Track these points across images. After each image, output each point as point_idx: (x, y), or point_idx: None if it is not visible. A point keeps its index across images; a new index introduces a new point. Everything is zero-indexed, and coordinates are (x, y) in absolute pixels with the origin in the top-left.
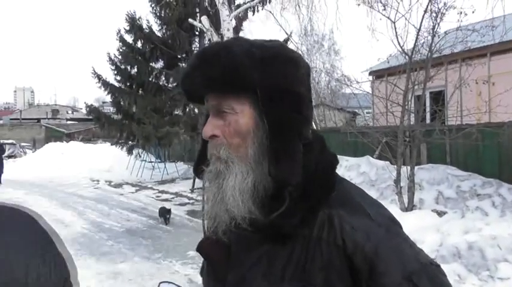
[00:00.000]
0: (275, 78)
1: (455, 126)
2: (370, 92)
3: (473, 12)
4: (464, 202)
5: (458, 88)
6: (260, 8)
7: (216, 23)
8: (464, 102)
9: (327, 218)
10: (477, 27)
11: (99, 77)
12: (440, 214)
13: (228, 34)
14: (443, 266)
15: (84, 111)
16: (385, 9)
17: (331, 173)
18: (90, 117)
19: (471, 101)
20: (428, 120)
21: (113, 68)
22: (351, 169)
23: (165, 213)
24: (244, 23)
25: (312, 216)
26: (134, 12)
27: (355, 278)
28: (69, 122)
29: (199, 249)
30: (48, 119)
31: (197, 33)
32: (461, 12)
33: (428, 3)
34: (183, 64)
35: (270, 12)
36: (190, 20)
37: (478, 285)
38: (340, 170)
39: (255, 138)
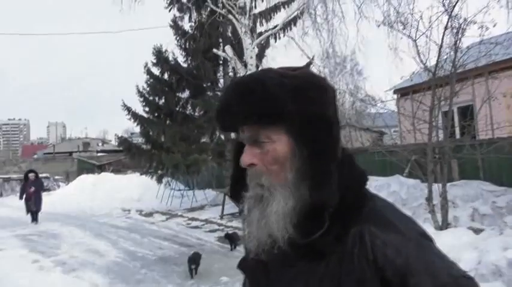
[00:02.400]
0: (307, 106)
1: (486, 140)
2: (396, 110)
3: (494, 26)
4: (501, 218)
5: (486, 102)
6: (282, 35)
7: (239, 51)
8: (493, 116)
9: (359, 234)
10: (500, 40)
11: (128, 109)
12: (477, 231)
13: (251, 62)
14: (483, 285)
15: (113, 143)
16: (405, 28)
17: (362, 189)
18: (120, 148)
19: (501, 114)
20: (457, 136)
21: (141, 99)
22: (381, 188)
23: (192, 262)
24: (267, 50)
25: (345, 232)
26: (160, 46)
27: None
28: (99, 154)
29: (240, 266)
30: (80, 151)
31: (221, 62)
32: (482, 27)
33: (449, 20)
34: (209, 93)
35: (292, 38)
36: (214, 50)
37: None
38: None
39: (293, 164)
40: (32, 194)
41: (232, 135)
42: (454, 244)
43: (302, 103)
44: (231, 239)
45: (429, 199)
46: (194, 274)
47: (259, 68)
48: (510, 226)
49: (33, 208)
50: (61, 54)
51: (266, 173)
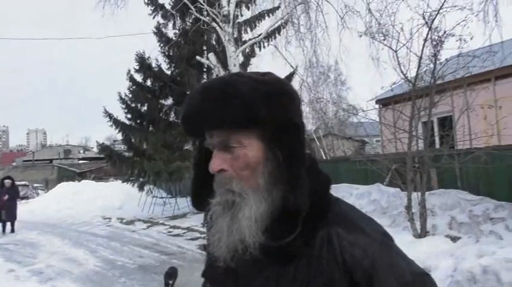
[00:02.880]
0: (279, 112)
1: (464, 150)
2: (377, 120)
3: (471, 38)
4: (477, 226)
5: (464, 113)
6: (266, 44)
7: (223, 59)
8: (471, 126)
9: (326, 237)
10: (477, 53)
11: (110, 116)
12: (454, 239)
13: (235, 69)
14: None
15: (95, 150)
16: (385, 39)
17: (327, 193)
18: (102, 155)
19: (478, 125)
20: (437, 146)
21: (124, 106)
22: (362, 197)
23: (168, 277)
24: (252, 59)
25: (313, 236)
26: (143, 52)
27: None
28: (81, 161)
29: (206, 275)
30: (61, 159)
31: (205, 69)
32: (460, 39)
33: (428, 32)
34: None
35: (275, 46)
36: (198, 57)
37: None
38: (351, 199)
39: (265, 169)
40: (6, 202)
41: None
42: (432, 252)
43: (274, 109)
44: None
45: (408, 207)
46: None
47: None
48: (486, 234)
49: (5, 217)
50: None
51: (237, 178)
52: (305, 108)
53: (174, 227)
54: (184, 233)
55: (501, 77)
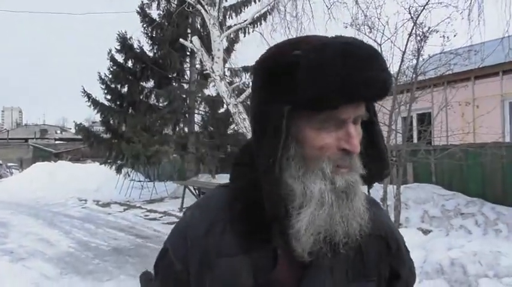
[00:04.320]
0: None
1: (440, 146)
2: None
3: (454, 36)
4: (448, 220)
5: (443, 110)
6: (251, 30)
7: (207, 43)
8: (449, 123)
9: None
10: (459, 51)
11: (88, 95)
12: (426, 232)
13: (219, 54)
14: (427, 282)
15: (73, 131)
16: (371, 32)
17: None
18: (79, 136)
19: (455, 122)
20: (415, 140)
21: (103, 87)
22: None
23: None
24: (236, 45)
25: None
26: (125, 32)
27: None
28: (57, 142)
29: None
30: (36, 139)
31: (188, 53)
32: (444, 36)
33: (413, 27)
34: (174, 83)
35: (260, 33)
36: (181, 40)
37: None
38: None
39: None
40: None
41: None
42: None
43: None
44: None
45: (384, 199)
46: None
47: (226, 62)
48: (456, 228)
49: None
50: (18, 35)
51: (357, 157)
52: None
53: (150, 211)
54: (161, 217)
55: (480, 77)
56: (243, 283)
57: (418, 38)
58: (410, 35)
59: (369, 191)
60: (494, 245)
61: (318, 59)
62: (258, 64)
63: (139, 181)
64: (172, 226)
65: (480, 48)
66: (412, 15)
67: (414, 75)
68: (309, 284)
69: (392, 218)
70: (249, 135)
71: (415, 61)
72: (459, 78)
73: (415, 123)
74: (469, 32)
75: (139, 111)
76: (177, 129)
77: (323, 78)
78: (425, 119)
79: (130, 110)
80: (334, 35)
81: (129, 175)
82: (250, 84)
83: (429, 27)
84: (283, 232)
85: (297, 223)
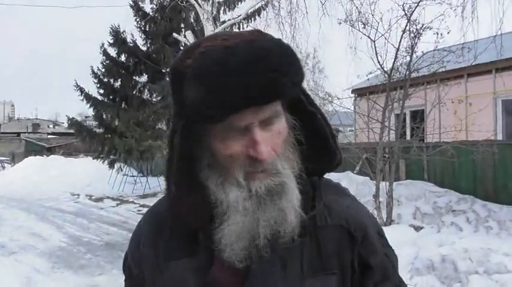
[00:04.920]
0: (302, 76)
1: (432, 143)
2: (352, 109)
3: (448, 33)
4: (440, 217)
5: (436, 107)
6: (245, 26)
7: (201, 38)
8: (442, 121)
9: (323, 204)
10: (452, 49)
11: (81, 90)
12: (417, 228)
13: None
14: (418, 278)
15: (66, 125)
16: (365, 28)
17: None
18: (72, 131)
19: (448, 119)
20: (408, 137)
21: (96, 81)
22: None
23: None
24: None
25: (314, 205)
26: (118, 26)
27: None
28: (50, 136)
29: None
30: (29, 133)
31: (182, 47)
32: (437, 33)
33: (407, 24)
34: (168, 78)
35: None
36: (174, 34)
37: None
38: None
39: (290, 140)
40: None
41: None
42: (395, 239)
43: (302, 73)
44: None
45: (376, 196)
46: None
47: None
48: (447, 225)
49: None
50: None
51: (278, 158)
52: None
53: (144, 205)
54: None
55: (473, 75)
56: (187, 285)
57: (412, 35)
58: (404, 31)
59: (319, 180)
60: (485, 242)
61: (197, 69)
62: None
63: (133, 176)
64: None
65: (473, 46)
66: (406, 12)
67: (407, 72)
68: (252, 284)
69: (385, 215)
70: None
71: (408, 58)
72: (452, 76)
73: (408, 120)
74: (462, 29)
75: (132, 106)
76: (171, 124)
77: (201, 90)
78: (418, 116)
79: (123, 105)
80: (240, 32)
81: (121, 170)
82: None
83: (423, 24)
84: (210, 239)
85: (219, 234)
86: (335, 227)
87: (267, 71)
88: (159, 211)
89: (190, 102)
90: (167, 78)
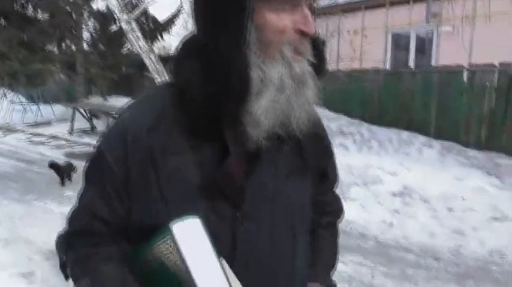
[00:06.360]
0: None
1: (329, 71)
2: None
3: None
4: (331, 139)
5: (334, 37)
6: None
7: None
8: (340, 50)
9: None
10: None
11: None
12: None
13: None
14: None
15: None
16: None
17: None
18: None
19: (344, 49)
20: None
21: None
22: None
23: (58, 170)
24: None
25: None
26: None
27: None
28: None
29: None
30: None
31: None
32: None
33: None
34: None
35: None
36: None
37: None
38: None
39: None
40: None
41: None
42: None
43: None
44: (58, 170)
45: None
46: (68, 180)
47: None
48: (336, 146)
49: None
50: None
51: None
52: None
53: (36, 134)
54: (48, 141)
55: (370, 8)
56: (190, 180)
57: None
58: None
59: None
60: (366, 159)
61: None
62: None
63: (21, 104)
64: (62, 150)
65: None
66: None
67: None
68: (257, 177)
69: None
70: (144, 56)
71: None
72: (350, 8)
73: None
74: None
75: (13, 24)
76: (63, 47)
77: None
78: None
79: (3, 22)
80: None
81: (6, 97)
82: None
83: None
84: (235, 123)
85: (256, 107)
86: (314, 134)
87: None
88: (153, 101)
89: None
90: None
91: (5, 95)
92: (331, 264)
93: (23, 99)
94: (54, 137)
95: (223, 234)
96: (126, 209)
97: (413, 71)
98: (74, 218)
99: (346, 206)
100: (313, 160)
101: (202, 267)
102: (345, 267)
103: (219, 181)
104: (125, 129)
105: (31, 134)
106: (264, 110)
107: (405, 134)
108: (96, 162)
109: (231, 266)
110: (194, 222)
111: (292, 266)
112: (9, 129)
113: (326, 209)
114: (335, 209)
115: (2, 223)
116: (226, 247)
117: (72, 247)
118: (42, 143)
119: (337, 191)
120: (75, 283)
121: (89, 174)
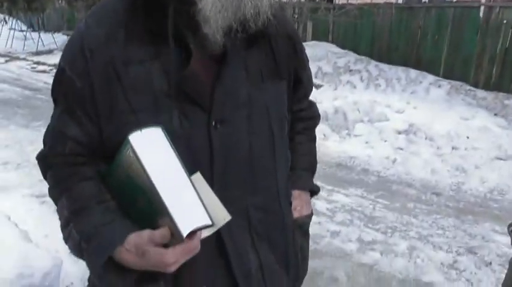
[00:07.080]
0: None
1: (339, 5)
2: None
3: None
4: (338, 76)
5: None
6: None
7: None
8: None
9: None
10: None
11: None
12: (318, 86)
13: None
14: None
15: None
16: None
17: None
18: None
19: None
20: None
21: None
22: None
23: None
24: None
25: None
26: None
27: None
28: None
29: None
30: None
31: None
32: None
33: None
34: None
35: None
36: None
37: (338, 141)
38: None
39: None
40: None
41: None
42: None
43: None
44: None
45: None
46: None
47: None
48: (344, 83)
49: None
50: None
51: None
52: None
53: (38, 63)
54: (51, 70)
55: None
56: (156, 88)
57: None
58: None
59: None
60: (372, 96)
61: None
62: None
63: (22, 31)
64: None
65: None
66: None
67: None
68: (228, 81)
69: None
70: None
71: None
72: None
73: None
74: None
75: None
76: None
77: None
78: None
79: None
80: None
81: (6, 22)
82: None
83: None
84: (190, 22)
85: (203, 2)
86: (284, 37)
87: None
88: (105, 9)
89: None
90: None
91: (5, 20)
92: (312, 168)
93: (24, 27)
94: (57, 66)
95: (198, 140)
96: (98, 127)
97: (428, 5)
98: (47, 140)
99: (351, 142)
100: (286, 62)
101: (164, 174)
102: (347, 199)
103: (184, 83)
104: (81, 41)
105: (34, 62)
106: (210, 3)
107: (414, 73)
108: (59, 80)
109: (210, 172)
110: (154, 130)
111: (273, 170)
112: (11, 57)
113: (301, 116)
114: (311, 116)
115: (12, 147)
116: (203, 153)
117: (50, 168)
118: (45, 72)
119: (342, 126)
120: (55, 203)
121: (54, 94)
